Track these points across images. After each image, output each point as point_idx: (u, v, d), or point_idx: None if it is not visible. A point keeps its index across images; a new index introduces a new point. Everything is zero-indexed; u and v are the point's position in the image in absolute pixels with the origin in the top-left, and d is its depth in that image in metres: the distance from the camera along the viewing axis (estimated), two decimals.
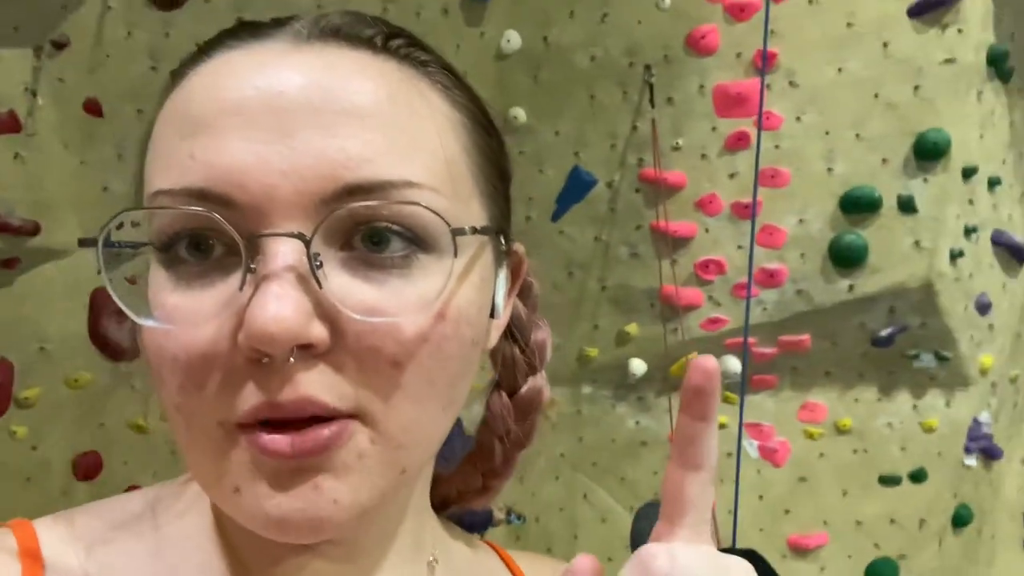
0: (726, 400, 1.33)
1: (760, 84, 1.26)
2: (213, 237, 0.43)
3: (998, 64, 1.34)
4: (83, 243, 0.44)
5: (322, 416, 0.42)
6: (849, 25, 1.29)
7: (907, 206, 1.31)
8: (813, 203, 1.31)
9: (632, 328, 1.32)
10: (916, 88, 1.29)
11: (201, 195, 0.42)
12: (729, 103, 1.34)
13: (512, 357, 0.58)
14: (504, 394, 0.60)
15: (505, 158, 0.54)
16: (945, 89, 1.29)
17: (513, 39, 1.30)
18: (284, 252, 0.41)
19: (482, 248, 0.48)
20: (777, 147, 1.30)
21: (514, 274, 0.55)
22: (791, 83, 1.30)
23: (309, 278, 0.41)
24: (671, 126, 1.29)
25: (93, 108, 1.16)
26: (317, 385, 0.41)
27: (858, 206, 1.30)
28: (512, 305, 0.57)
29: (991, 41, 1.34)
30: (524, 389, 0.60)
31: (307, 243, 0.41)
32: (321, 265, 0.42)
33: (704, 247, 1.29)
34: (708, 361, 0.39)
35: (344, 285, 0.42)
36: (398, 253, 0.43)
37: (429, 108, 0.47)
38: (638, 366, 1.32)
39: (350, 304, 0.42)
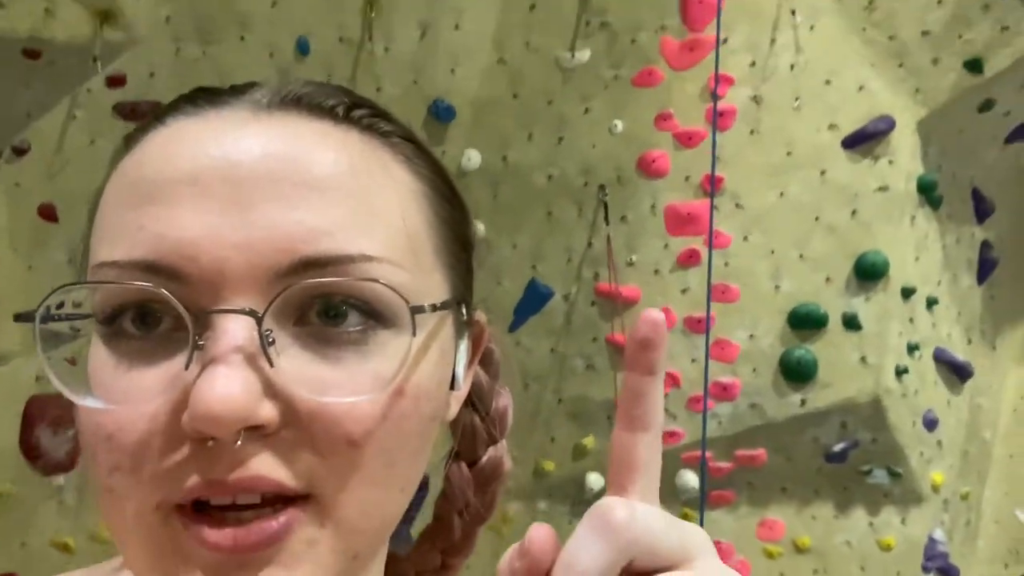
0: (684, 517, 1.31)
1: (709, 205, 1.32)
2: (160, 311, 0.41)
3: (928, 192, 1.43)
4: (19, 318, 0.41)
5: (271, 497, 0.39)
6: (788, 154, 1.38)
7: (851, 323, 1.35)
8: (763, 319, 1.34)
9: (589, 441, 1.31)
10: (854, 212, 1.36)
11: (150, 268, 0.40)
12: (680, 222, 1.39)
13: (472, 426, 0.56)
14: (464, 465, 0.57)
15: (468, 227, 0.52)
16: (880, 214, 1.37)
17: (473, 158, 1.35)
18: (234, 330, 0.39)
19: (443, 321, 0.47)
20: (727, 264, 1.35)
21: (475, 343, 0.53)
22: (737, 205, 1.36)
23: (260, 356, 0.39)
24: (625, 243, 1.33)
25: (48, 214, 1.15)
26: (268, 464, 0.39)
27: (805, 322, 1.34)
28: (473, 374, 0.55)
29: (920, 171, 1.43)
30: (484, 459, 0.57)
31: (259, 320, 0.39)
32: (273, 342, 0.39)
33: None
34: (655, 313, 0.37)
35: (298, 363, 0.40)
36: (355, 328, 0.41)
37: (391, 179, 0.46)
38: (595, 480, 1.30)
39: (303, 383, 0.40)
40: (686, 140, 1.36)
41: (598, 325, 1.32)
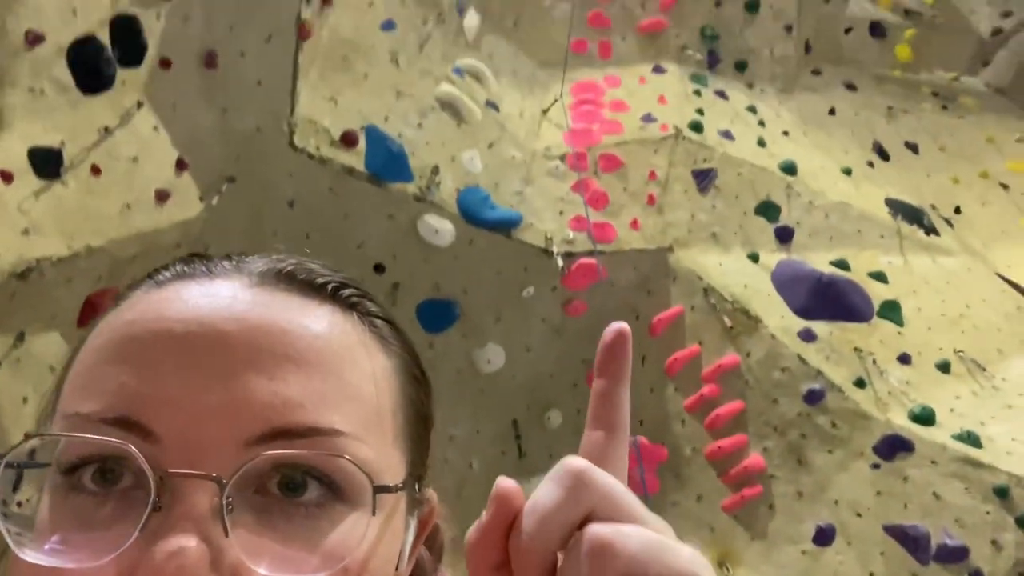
0: None
1: None
2: (123, 468, 0.41)
3: None
4: None
5: None
6: None
7: None
8: None
9: None
10: None
11: (122, 423, 0.41)
12: None
13: None
14: None
15: (430, 406, 0.53)
16: None
17: None
18: (196, 498, 0.39)
19: (398, 501, 0.47)
20: None
21: (423, 522, 0.53)
22: None
23: (216, 526, 0.39)
24: None
25: None
26: None
27: None
28: (417, 554, 0.53)
29: None
30: None
31: (223, 487, 0.39)
32: (232, 510, 0.40)
33: None
34: (620, 324, 0.40)
35: (252, 535, 0.40)
36: (313, 502, 0.42)
37: (368, 357, 0.48)
38: None
39: (253, 557, 0.40)
40: None
41: None
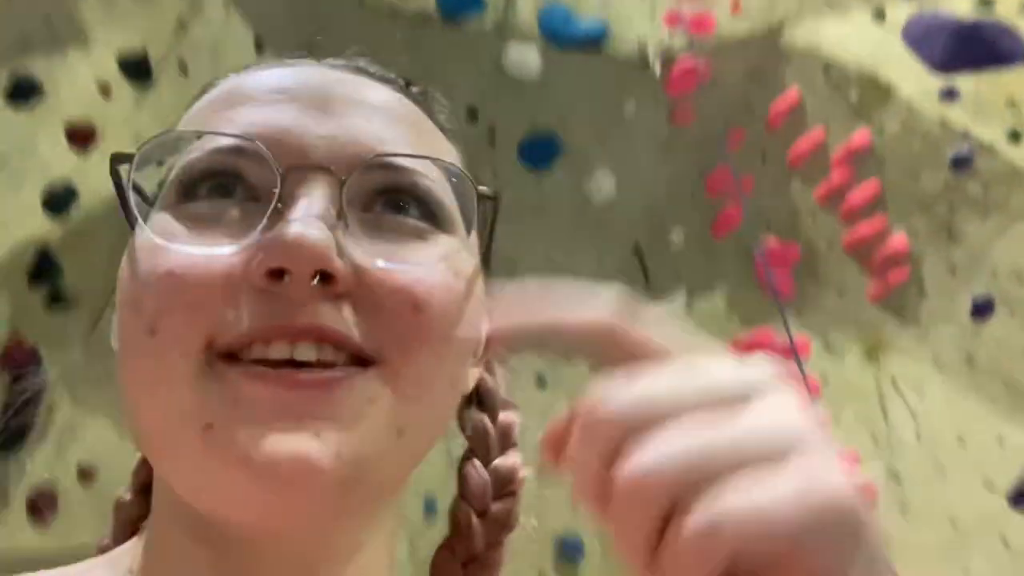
0: None
1: None
2: (238, 184, 0.42)
3: None
4: (117, 159, 0.42)
5: (330, 359, 0.39)
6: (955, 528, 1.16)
7: None
8: None
9: None
10: None
11: (236, 150, 0.42)
12: None
13: (483, 426, 0.54)
14: (479, 464, 0.53)
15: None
16: None
17: None
18: (314, 196, 0.40)
19: (477, 274, 0.47)
20: None
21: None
22: None
23: (336, 223, 0.40)
24: None
25: None
26: (334, 316, 0.39)
27: None
28: (478, 375, 0.53)
29: None
30: (500, 461, 0.54)
31: (341, 182, 0.41)
32: (347, 216, 0.41)
33: None
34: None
35: (367, 237, 0.42)
36: (417, 221, 0.43)
37: (444, 142, 0.49)
38: None
39: (373, 252, 0.41)
40: None
41: None
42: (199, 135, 0.43)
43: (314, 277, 0.38)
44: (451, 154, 0.49)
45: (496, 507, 0.53)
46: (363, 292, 0.40)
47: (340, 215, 0.40)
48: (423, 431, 0.44)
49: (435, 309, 0.41)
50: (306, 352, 0.38)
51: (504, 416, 0.55)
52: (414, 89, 0.51)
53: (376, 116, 0.45)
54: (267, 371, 0.37)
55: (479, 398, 0.54)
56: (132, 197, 0.42)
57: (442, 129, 0.50)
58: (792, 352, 1.48)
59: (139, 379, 0.40)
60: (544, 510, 1.32)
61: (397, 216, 0.43)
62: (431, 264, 0.42)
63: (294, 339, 0.38)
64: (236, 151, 0.42)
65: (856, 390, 1.42)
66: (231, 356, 0.38)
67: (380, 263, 0.40)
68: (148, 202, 0.44)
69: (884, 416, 1.37)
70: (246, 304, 0.38)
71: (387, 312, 0.40)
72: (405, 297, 0.40)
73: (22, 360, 1.75)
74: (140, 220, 0.42)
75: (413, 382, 0.41)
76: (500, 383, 0.56)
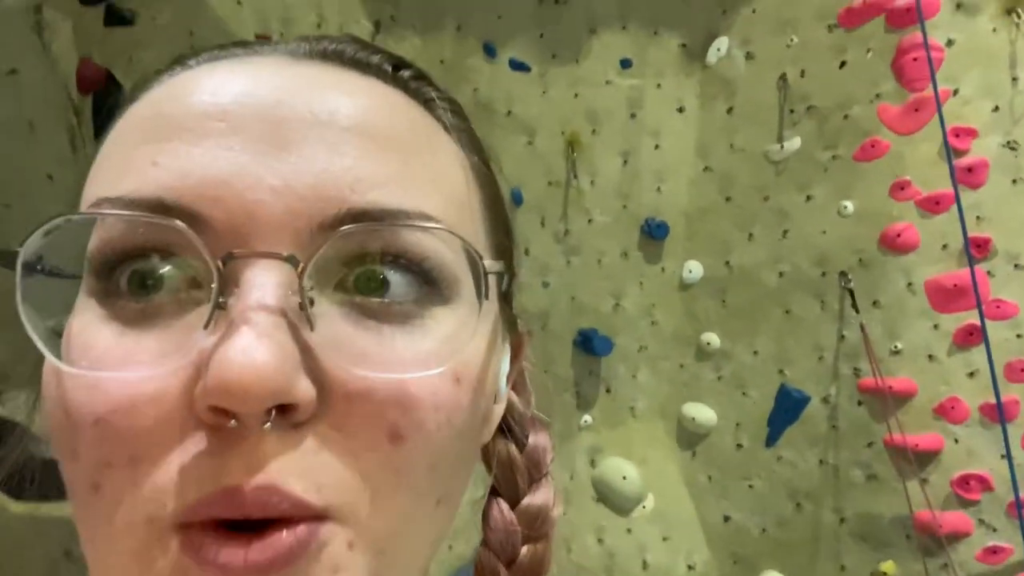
0: None
1: (970, 274, 1.11)
2: (169, 265, 0.33)
3: None
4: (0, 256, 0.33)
5: (286, 516, 0.32)
6: None
7: None
8: None
9: (888, 567, 1.24)
10: None
11: (163, 208, 0.33)
12: (947, 297, 1.19)
13: (510, 458, 0.46)
14: (504, 505, 0.46)
15: (508, 211, 0.44)
16: None
17: (695, 269, 1.27)
18: (267, 282, 0.32)
19: (494, 313, 0.39)
20: (1019, 336, 1.15)
21: (513, 355, 0.45)
22: (1016, 266, 1.13)
23: (297, 319, 0.32)
24: (884, 330, 1.18)
25: None
26: (289, 469, 0.32)
27: None
28: (507, 395, 0.46)
29: None
30: (529, 498, 0.46)
31: (300, 270, 0.32)
32: (312, 303, 0.33)
33: (958, 460, 1.18)
34: None
35: (339, 332, 0.33)
36: (405, 299, 0.34)
37: (442, 145, 0.40)
38: None
39: (345, 357, 0.33)
40: (932, 206, 1.16)
41: (870, 428, 1.23)
42: (101, 216, 0.34)
43: (269, 415, 0.31)
44: (456, 161, 0.39)
45: (525, 555, 0.46)
46: (331, 415, 0.33)
47: (302, 303, 0.32)
48: (419, 560, 0.38)
49: (419, 438, 0.34)
50: (260, 514, 0.32)
51: (534, 441, 0.47)
52: (405, 74, 0.41)
53: (350, 140, 0.35)
54: (218, 550, 0.31)
55: (505, 424, 0.46)
56: (34, 330, 0.33)
57: (445, 127, 0.41)
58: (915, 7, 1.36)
59: (87, 538, 0.35)
60: (632, 193, 1.38)
61: (376, 299, 0.34)
62: (421, 365, 0.34)
63: (244, 510, 0.31)
64: (159, 228, 0.33)
65: (984, 54, 1.30)
66: (177, 523, 0.32)
67: (353, 372, 0.32)
68: (69, 278, 0.35)
69: (1012, 83, 1.25)
70: (194, 460, 0.31)
71: (358, 443, 0.33)
72: (382, 422, 0.33)
73: (97, 78, 1.67)
74: (53, 358, 0.33)
75: (387, 537, 0.34)
76: (529, 398, 0.48)
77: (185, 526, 0.32)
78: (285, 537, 0.32)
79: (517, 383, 0.47)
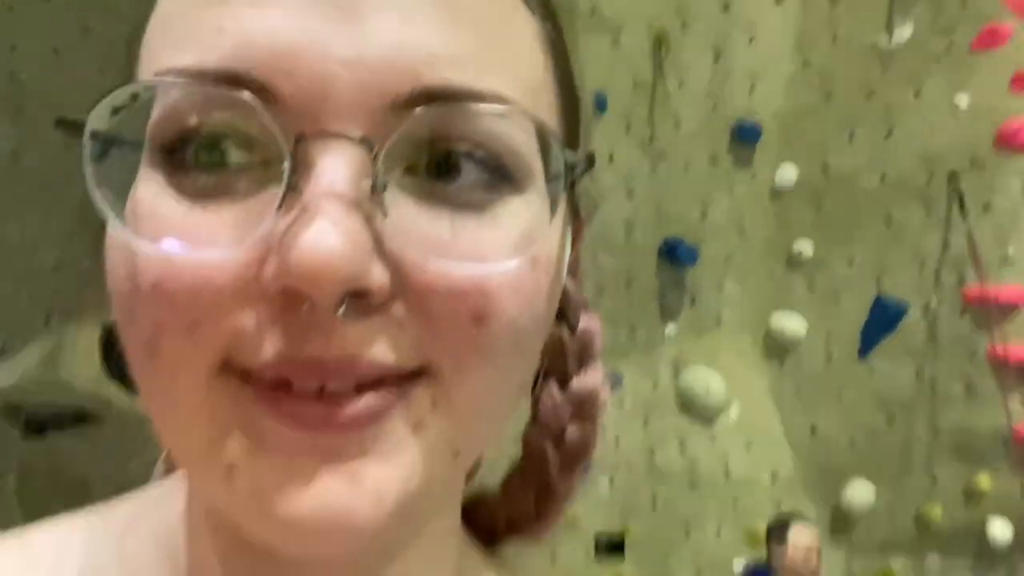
0: None
1: None
2: (239, 142, 0.32)
3: None
4: (61, 124, 0.34)
5: (370, 383, 0.32)
6: None
7: None
8: None
9: (984, 480, 1.20)
10: None
11: (230, 79, 0.31)
12: None
13: (561, 341, 0.46)
14: (555, 385, 0.47)
15: (580, 90, 0.43)
16: None
17: (788, 173, 1.21)
18: (340, 168, 0.31)
19: (563, 197, 0.38)
20: None
21: (573, 240, 0.44)
22: None
23: (370, 205, 0.31)
24: (994, 236, 1.11)
25: None
26: (370, 342, 0.32)
27: None
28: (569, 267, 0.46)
29: None
30: (579, 380, 0.47)
31: (375, 155, 0.31)
32: (386, 188, 0.32)
33: None
34: None
35: (411, 219, 0.33)
36: (479, 185, 0.33)
37: (520, 17, 0.37)
38: (1000, 529, 1.19)
39: (421, 244, 0.32)
40: None
41: (973, 339, 1.17)
42: (162, 98, 0.33)
43: (342, 301, 0.30)
44: (534, 37, 0.37)
45: (572, 432, 0.47)
46: (409, 297, 0.32)
47: (375, 189, 0.31)
48: (483, 443, 0.38)
49: (503, 320, 0.33)
50: (340, 383, 0.31)
51: (584, 324, 0.47)
52: None
53: (424, 10, 0.33)
54: (293, 408, 0.31)
55: (559, 309, 0.45)
56: (100, 193, 0.33)
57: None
58: None
59: (149, 401, 0.34)
60: (722, 94, 1.32)
61: (453, 184, 0.33)
62: (502, 252, 0.33)
63: (324, 378, 0.31)
64: (228, 102, 0.32)
65: None
66: (247, 372, 0.32)
67: (430, 261, 0.32)
68: (131, 145, 0.34)
69: None
70: (263, 319, 0.31)
71: (440, 322, 0.32)
72: (464, 306, 0.32)
73: None
74: (115, 218, 0.33)
75: (469, 402, 0.34)
76: (581, 282, 0.47)
77: (253, 381, 0.32)
78: (370, 397, 0.31)
79: (570, 268, 0.46)
